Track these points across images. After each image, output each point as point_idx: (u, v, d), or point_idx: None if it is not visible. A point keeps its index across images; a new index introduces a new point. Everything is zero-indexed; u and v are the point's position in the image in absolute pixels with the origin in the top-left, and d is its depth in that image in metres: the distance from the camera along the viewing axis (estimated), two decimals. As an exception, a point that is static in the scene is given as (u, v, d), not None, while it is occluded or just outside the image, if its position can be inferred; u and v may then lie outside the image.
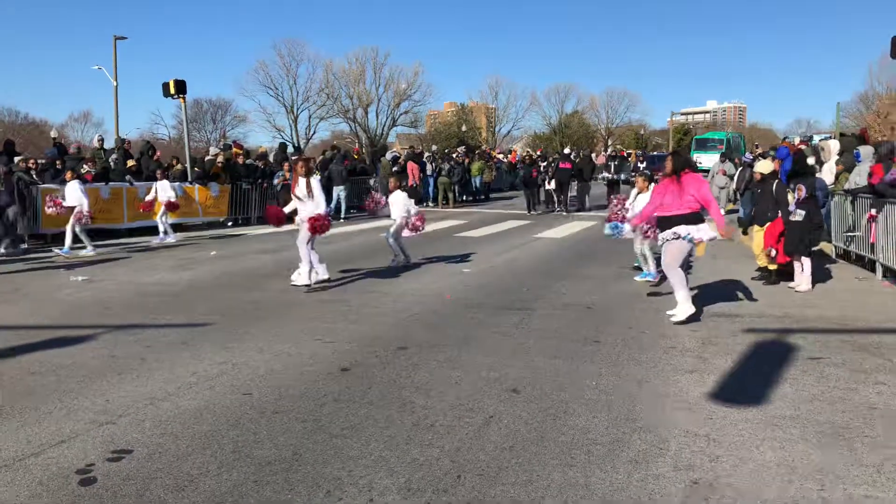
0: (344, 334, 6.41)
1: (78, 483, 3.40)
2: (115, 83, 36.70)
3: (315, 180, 8.73)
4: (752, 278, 9.06)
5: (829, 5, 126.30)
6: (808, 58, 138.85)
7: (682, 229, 6.67)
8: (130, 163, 15.33)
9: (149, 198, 13.95)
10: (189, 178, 16.17)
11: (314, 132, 55.24)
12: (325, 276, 8.55)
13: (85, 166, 13.90)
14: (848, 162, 11.15)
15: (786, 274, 8.75)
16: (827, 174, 11.96)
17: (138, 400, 4.60)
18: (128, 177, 14.85)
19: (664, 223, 6.85)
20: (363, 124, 55.27)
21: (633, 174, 22.48)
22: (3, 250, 11.56)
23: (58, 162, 14.12)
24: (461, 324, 6.81)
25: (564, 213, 19.96)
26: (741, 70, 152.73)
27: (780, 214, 8.51)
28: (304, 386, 4.93)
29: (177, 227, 15.64)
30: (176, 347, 5.93)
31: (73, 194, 11.73)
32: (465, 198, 24.99)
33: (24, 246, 12.31)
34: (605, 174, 23.07)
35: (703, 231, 6.70)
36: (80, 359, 5.59)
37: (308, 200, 8.49)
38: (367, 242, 13.18)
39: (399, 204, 10.13)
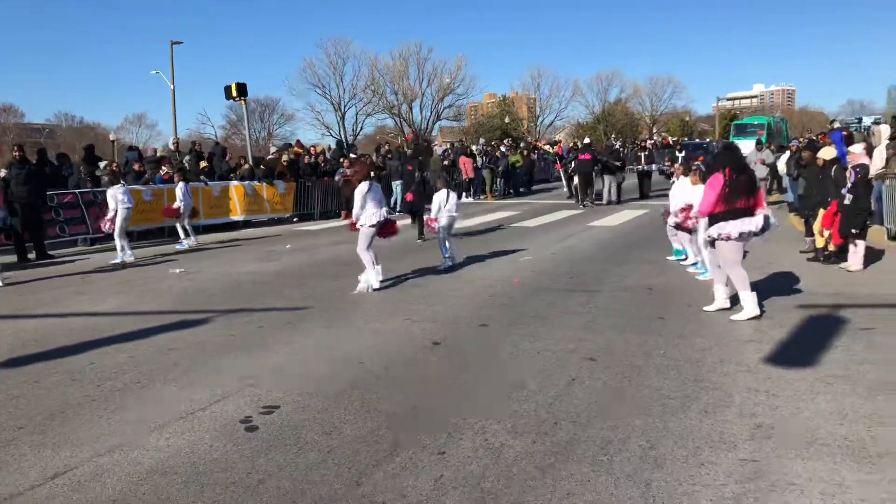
0: (427, 314, 7.13)
1: (244, 430, 4.18)
2: (172, 86, 38.24)
3: (362, 185, 8.39)
4: (808, 259, 9.50)
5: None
6: (861, 37, 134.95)
7: (715, 228, 6.50)
8: (203, 164, 16.34)
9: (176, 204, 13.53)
10: (256, 177, 17.10)
11: (361, 128, 56.42)
12: (374, 286, 8.35)
13: (163, 168, 14.92)
14: (899, 146, 11.41)
15: (842, 254, 9.15)
16: (878, 159, 12.22)
17: (269, 369, 5.38)
18: (202, 177, 15.85)
19: (711, 219, 6.69)
20: (408, 119, 56.15)
21: (665, 165, 22.73)
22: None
23: (136, 165, 15.15)
24: (533, 304, 7.47)
25: (589, 206, 19.08)
26: (790, 52, 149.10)
27: (836, 198, 8.91)
28: (406, 356, 5.66)
29: (246, 224, 16.66)
30: (285, 327, 6.73)
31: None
32: (509, 190, 25.38)
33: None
34: (637, 165, 22.30)
35: (747, 225, 6.41)
36: (204, 337, 6.43)
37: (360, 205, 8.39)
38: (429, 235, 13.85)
39: (439, 203, 9.96)
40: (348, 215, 9.43)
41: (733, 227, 6.43)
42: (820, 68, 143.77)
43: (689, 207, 8.12)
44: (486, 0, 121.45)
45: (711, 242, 6.73)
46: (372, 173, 9.26)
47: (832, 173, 9.22)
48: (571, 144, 35.66)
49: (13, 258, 11.60)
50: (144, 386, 5.03)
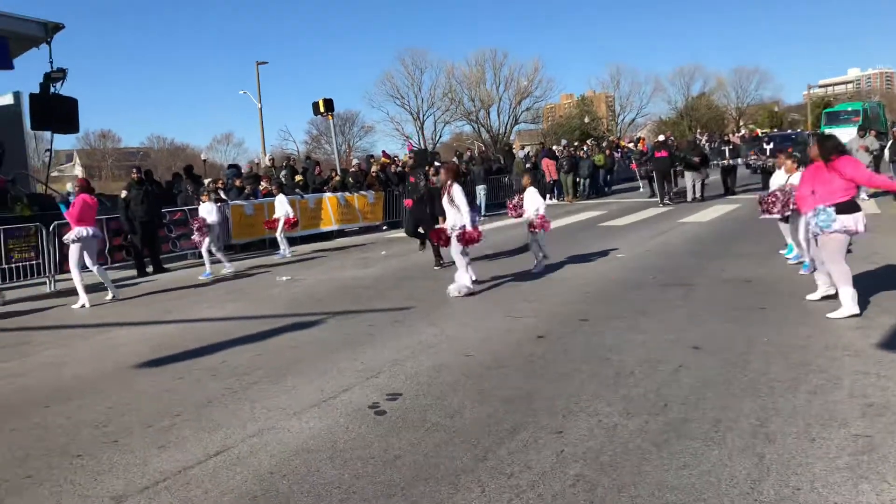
0: (527, 311, 7.40)
1: (374, 413, 4.57)
2: (259, 105, 39.98)
3: (457, 189, 8.62)
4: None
5: None
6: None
7: (838, 222, 6.17)
8: (298, 177, 17.18)
9: (276, 215, 14.08)
10: (347, 188, 17.80)
11: (440, 136, 57.24)
12: (468, 288, 8.44)
13: (263, 183, 15.79)
14: None
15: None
16: None
17: (385, 362, 5.78)
18: (297, 190, 16.67)
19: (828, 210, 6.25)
20: (486, 125, 56.56)
21: (752, 158, 22.01)
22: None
23: (237, 181, 16.09)
24: (631, 298, 7.63)
25: (668, 204, 18.91)
26: (886, 33, 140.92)
27: None
28: (512, 349, 5.95)
29: (340, 233, 17.37)
30: (393, 325, 7.15)
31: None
32: (593, 192, 25.17)
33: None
34: (721, 160, 21.56)
35: (858, 221, 6.19)
36: (320, 336, 6.92)
37: (451, 208, 8.57)
38: (514, 237, 14.11)
39: (531, 202, 9.92)
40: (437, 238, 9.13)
41: (851, 220, 6.15)
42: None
43: (786, 192, 7.93)
44: (560, 1, 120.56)
45: (816, 236, 6.38)
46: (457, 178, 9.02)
47: None
48: (655, 140, 35.05)
49: (133, 272, 12.61)
50: (276, 379, 5.52)
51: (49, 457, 4.23)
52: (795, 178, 8.22)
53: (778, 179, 8.97)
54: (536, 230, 9.62)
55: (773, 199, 8.16)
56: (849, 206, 6.17)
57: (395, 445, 4.02)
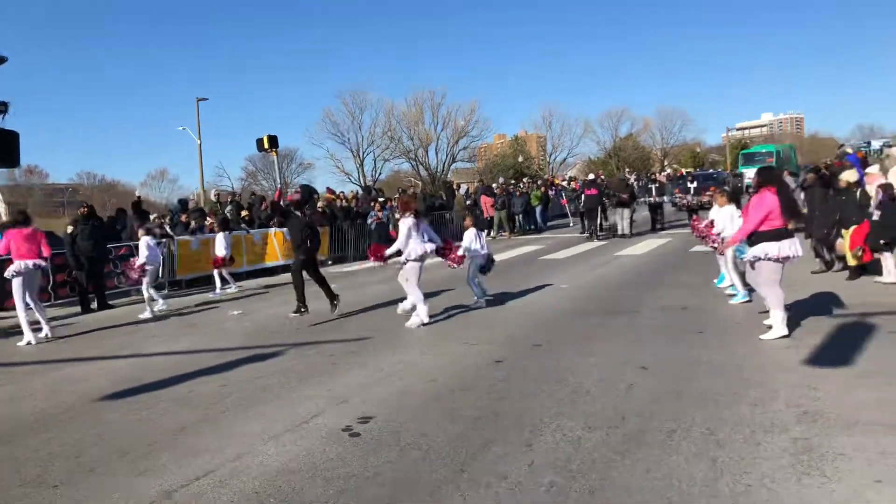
0: (482, 338, 7.69)
1: (348, 435, 4.75)
2: (198, 141, 39.51)
3: (403, 222, 8.86)
4: (812, 272, 10.10)
5: (885, 7, 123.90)
6: (868, 62, 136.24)
7: (761, 248, 6.62)
8: (244, 213, 17.16)
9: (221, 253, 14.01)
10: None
11: (380, 174, 57.54)
12: (426, 320, 8.63)
13: (208, 219, 15.72)
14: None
15: (865, 270, 9.65)
16: (894, 179, 12.76)
17: (352, 388, 5.96)
18: (243, 225, 16.64)
19: (751, 239, 6.80)
20: (424, 163, 57.28)
21: (676, 196, 23.22)
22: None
23: (183, 216, 15.98)
24: (579, 325, 8.03)
25: (597, 240, 19.50)
26: (796, 80, 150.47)
27: (865, 218, 9.44)
28: (473, 373, 6.22)
29: (285, 268, 17.34)
30: (353, 355, 7.31)
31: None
32: (529, 227, 26.01)
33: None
34: (648, 198, 22.22)
35: (789, 247, 6.56)
36: (283, 366, 7.02)
37: (406, 241, 8.73)
38: (452, 273, 14.44)
39: (471, 240, 9.95)
40: (374, 253, 9.39)
41: (780, 247, 6.54)
42: (828, 95, 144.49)
43: (711, 224, 8.65)
44: (496, 44, 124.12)
45: (751, 262, 6.80)
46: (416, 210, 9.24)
47: (857, 196, 9.77)
48: (585, 179, 36.38)
49: (77, 308, 12.33)
50: (246, 407, 5.62)
51: (25, 487, 4.24)
52: (724, 211, 8.93)
53: (713, 213, 9.64)
54: (453, 266, 9.64)
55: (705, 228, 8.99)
56: (775, 235, 6.58)
57: (374, 463, 4.22)
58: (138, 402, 6.04)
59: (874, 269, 9.67)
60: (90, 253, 12.06)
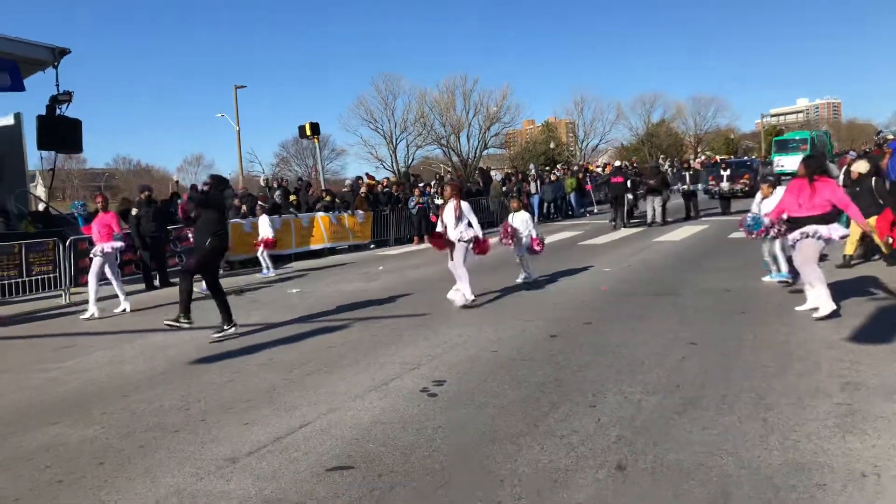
0: (534, 316, 8.17)
1: (427, 395, 5.28)
2: (237, 128, 40.32)
3: (465, 205, 9.28)
4: (837, 265, 10.30)
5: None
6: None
7: (811, 228, 7.06)
8: (292, 198, 17.80)
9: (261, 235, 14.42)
10: (337, 208, 18.48)
11: (412, 160, 58.13)
12: (472, 298, 9.03)
13: (259, 202, 16.37)
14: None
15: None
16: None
17: (421, 357, 6.49)
18: (291, 209, 17.28)
19: (795, 224, 7.20)
20: (456, 149, 57.70)
21: (710, 184, 23.16)
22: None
23: (235, 200, 16.63)
24: (626, 305, 8.46)
25: (620, 226, 19.48)
26: (833, 64, 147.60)
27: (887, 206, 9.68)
28: (531, 345, 6.71)
29: (331, 251, 17.99)
30: (417, 328, 7.85)
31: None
32: (567, 212, 26.34)
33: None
34: (682, 185, 21.84)
35: (834, 230, 7.06)
36: (351, 338, 7.58)
37: (458, 223, 9.15)
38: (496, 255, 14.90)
39: (522, 223, 10.80)
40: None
41: (829, 229, 7.04)
42: (866, 80, 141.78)
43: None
44: (529, 30, 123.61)
45: (797, 241, 7.19)
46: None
47: (871, 186, 9.96)
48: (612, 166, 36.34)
49: (141, 286, 13.06)
50: (327, 372, 6.18)
51: (150, 432, 4.84)
52: (771, 201, 9.09)
53: (756, 203, 9.88)
54: (537, 250, 10.65)
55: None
56: (825, 218, 7.06)
57: (455, 417, 4.74)
58: (226, 366, 6.64)
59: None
60: (153, 233, 12.78)
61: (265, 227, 14.54)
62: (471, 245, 9.21)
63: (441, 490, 3.64)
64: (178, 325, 7.94)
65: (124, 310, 10.44)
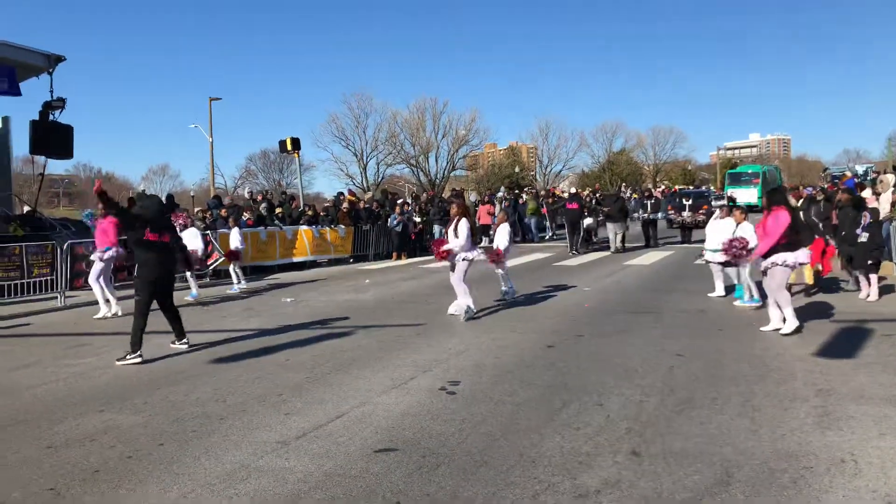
0: (527, 328, 8.74)
1: (446, 393, 5.79)
2: (210, 139, 40.41)
3: (465, 223, 9.69)
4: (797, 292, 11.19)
5: (872, 33, 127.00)
6: (855, 87, 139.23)
7: (779, 257, 7.83)
8: (278, 210, 18.15)
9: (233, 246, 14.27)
10: (319, 222, 18.86)
11: (381, 178, 58.65)
12: (474, 310, 9.59)
13: (245, 214, 16.69)
14: (903, 193, 13.18)
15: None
16: (885, 203, 13.98)
17: (430, 361, 6.99)
18: (276, 222, 17.62)
19: (766, 253, 7.95)
20: (424, 169, 58.49)
21: (670, 213, 24.09)
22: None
23: (223, 211, 16.92)
24: (611, 321, 9.10)
25: (574, 253, 19.72)
26: (782, 101, 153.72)
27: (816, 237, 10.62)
28: (531, 353, 7.27)
29: (312, 264, 18.32)
30: (419, 336, 8.34)
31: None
32: (530, 237, 26.83)
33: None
34: (643, 214, 22.23)
35: (801, 256, 7.93)
36: (358, 343, 8.03)
37: (456, 239, 9.66)
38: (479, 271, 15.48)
39: (505, 236, 11.39)
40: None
41: (795, 256, 7.87)
42: (813, 120, 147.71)
43: (743, 241, 9.36)
44: (496, 57, 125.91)
45: (767, 269, 8.01)
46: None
47: (849, 215, 10.91)
48: (587, 192, 37.36)
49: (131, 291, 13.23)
50: (345, 371, 6.63)
51: (197, 419, 5.24)
52: (745, 226, 9.85)
53: (717, 227, 10.65)
54: (492, 263, 11.12)
55: (739, 247, 9.15)
56: (789, 245, 7.84)
57: (477, 412, 5.26)
58: (247, 365, 7.03)
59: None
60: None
61: (235, 239, 14.52)
62: (473, 261, 9.80)
63: (482, 469, 4.15)
64: (125, 359, 7.23)
65: (115, 314, 10.59)
